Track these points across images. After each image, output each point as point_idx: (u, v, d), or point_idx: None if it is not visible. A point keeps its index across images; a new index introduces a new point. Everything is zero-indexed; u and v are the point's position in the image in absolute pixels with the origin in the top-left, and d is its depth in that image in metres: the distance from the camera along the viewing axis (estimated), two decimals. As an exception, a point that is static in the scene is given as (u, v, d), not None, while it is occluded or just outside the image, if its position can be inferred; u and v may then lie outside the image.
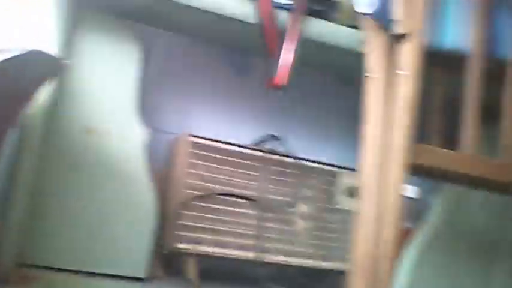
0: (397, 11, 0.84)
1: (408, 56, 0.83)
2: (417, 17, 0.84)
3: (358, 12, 0.88)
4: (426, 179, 0.93)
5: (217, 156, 1.12)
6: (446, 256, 1.16)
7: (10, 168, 0.93)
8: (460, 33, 0.89)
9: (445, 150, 0.87)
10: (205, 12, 0.96)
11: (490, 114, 0.93)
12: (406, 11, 0.83)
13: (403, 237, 1.17)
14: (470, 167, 0.86)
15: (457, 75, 0.90)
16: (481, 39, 0.87)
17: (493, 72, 0.93)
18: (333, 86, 1.28)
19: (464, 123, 0.87)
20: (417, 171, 0.85)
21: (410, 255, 1.11)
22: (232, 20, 0.96)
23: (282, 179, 1.16)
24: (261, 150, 1.15)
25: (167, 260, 1.13)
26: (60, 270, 0.98)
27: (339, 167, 1.19)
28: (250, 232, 1.13)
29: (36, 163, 0.96)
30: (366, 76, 0.88)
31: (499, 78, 0.91)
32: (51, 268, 0.98)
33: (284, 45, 0.92)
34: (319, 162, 1.18)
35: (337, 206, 1.20)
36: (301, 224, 1.18)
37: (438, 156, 0.85)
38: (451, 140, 0.91)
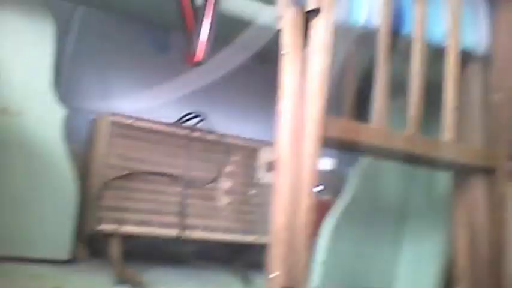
0: (309, -12, 0.86)
1: (320, 31, 0.86)
2: (328, -7, 0.86)
3: (273, -12, 0.89)
4: (340, 151, 0.97)
5: (139, 134, 1.11)
6: (363, 223, 1.22)
7: None
8: (371, 10, 0.93)
9: (356, 122, 0.90)
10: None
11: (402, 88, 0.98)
12: (318, -12, 0.85)
13: (324, 208, 1.21)
14: (379, 139, 0.90)
15: (370, 50, 0.94)
16: (388, 16, 0.90)
17: (403, 48, 0.98)
18: (251, 62, 1.29)
19: (374, 97, 0.92)
20: (330, 143, 0.89)
21: (329, 225, 1.16)
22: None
23: (205, 155, 1.17)
24: (183, 128, 1.15)
25: (90, 241, 1.12)
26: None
27: (260, 142, 1.22)
28: (174, 210, 1.13)
29: None
30: (282, 52, 0.90)
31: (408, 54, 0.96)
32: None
33: (201, 21, 0.91)
34: (240, 138, 1.20)
35: (259, 181, 1.22)
36: (224, 200, 1.19)
37: (350, 128, 0.89)
38: (365, 113, 0.95)
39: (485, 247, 1.04)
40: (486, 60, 1.03)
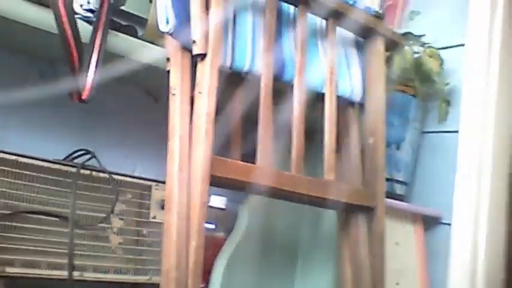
0: (195, 32, 0.89)
1: (206, 75, 0.89)
2: (214, 39, 0.90)
3: (161, 31, 0.91)
4: (229, 190, 0.99)
5: (25, 172, 1.06)
6: (255, 260, 1.24)
7: None
8: (255, 56, 0.98)
9: (241, 162, 0.94)
10: (6, 20, 0.91)
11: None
12: (203, 33, 0.89)
13: (217, 246, 1.22)
14: (264, 179, 0.94)
15: (254, 94, 0.98)
16: (270, 63, 0.96)
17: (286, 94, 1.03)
18: (144, 100, 1.30)
19: (259, 138, 0.95)
20: (217, 182, 0.91)
21: (221, 262, 1.17)
22: (35, 29, 0.92)
23: (95, 194, 1.14)
24: (72, 166, 1.11)
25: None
26: None
27: (153, 180, 1.21)
28: (63, 250, 1.09)
29: None
30: (170, 93, 0.92)
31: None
32: None
33: (88, 58, 0.91)
34: (133, 176, 1.19)
35: (152, 220, 1.21)
36: (116, 239, 1.17)
37: (235, 168, 0.92)
38: (252, 154, 0.98)
39: (368, 281, 1.10)
40: (362, 107, 1.12)
